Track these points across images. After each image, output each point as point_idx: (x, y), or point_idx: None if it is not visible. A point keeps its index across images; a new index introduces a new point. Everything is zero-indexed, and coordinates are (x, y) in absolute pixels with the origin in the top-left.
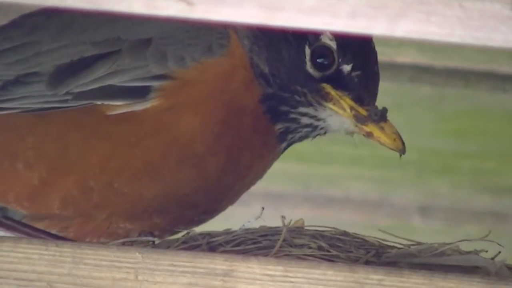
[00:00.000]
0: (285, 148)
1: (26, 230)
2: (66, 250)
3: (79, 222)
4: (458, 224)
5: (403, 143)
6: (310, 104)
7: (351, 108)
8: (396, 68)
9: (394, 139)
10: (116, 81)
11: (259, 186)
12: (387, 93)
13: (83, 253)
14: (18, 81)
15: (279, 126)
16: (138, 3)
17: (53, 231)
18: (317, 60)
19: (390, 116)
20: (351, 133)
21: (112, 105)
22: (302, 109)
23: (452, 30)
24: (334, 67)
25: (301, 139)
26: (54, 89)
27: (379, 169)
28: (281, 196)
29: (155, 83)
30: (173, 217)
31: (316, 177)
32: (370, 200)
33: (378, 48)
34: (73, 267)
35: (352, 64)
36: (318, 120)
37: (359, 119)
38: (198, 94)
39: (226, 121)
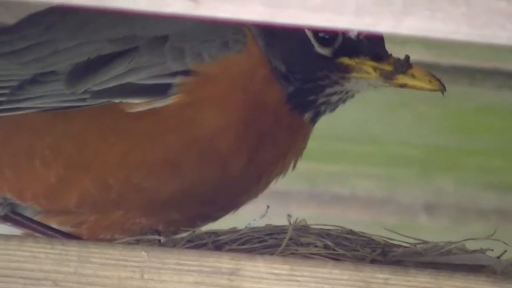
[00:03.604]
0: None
1: (34, 226)
2: (72, 249)
3: (94, 218)
4: (464, 222)
5: (439, 81)
6: (335, 83)
7: (375, 69)
8: None
9: (430, 81)
10: (134, 78)
11: None
12: (393, 91)
13: (89, 251)
14: (35, 80)
15: (308, 114)
16: (143, 0)
17: (67, 227)
18: (320, 35)
19: (395, 113)
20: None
21: (131, 103)
22: (329, 90)
23: (457, 27)
24: (340, 37)
25: (332, 110)
26: (72, 88)
27: (385, 167)
28: (287, 194)
29: (175, 80)
30: (192, 214)
31: (322, 175)
32: (376, 198)
33: None
34: (79, 266)
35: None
36: (347, 92)
37: (387, 76)
38: (220, 90)
39: (249, 121)
